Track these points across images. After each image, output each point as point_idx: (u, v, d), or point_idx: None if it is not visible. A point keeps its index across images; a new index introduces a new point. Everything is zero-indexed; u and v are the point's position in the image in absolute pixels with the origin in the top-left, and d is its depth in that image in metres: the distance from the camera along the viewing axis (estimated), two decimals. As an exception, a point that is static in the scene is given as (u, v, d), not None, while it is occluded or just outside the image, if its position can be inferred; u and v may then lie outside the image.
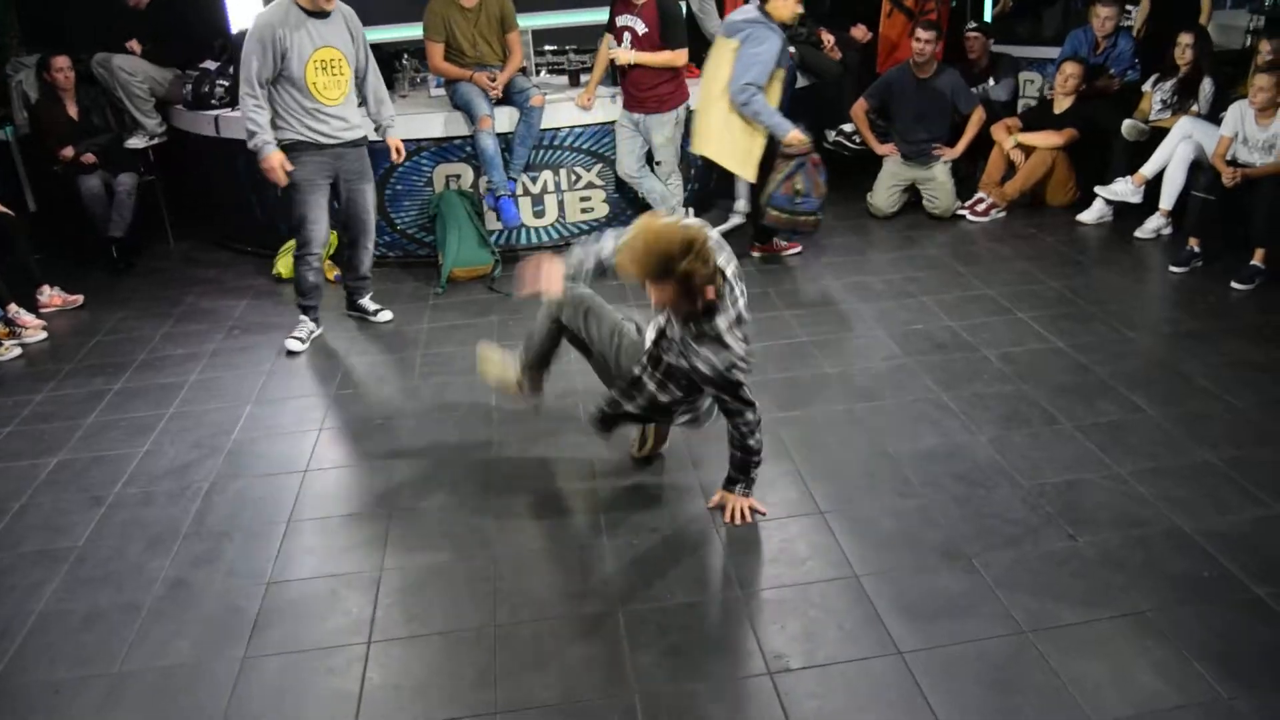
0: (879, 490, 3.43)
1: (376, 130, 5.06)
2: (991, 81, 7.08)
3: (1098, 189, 6.13)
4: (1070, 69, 6.31)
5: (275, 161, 4.65)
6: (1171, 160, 5.70)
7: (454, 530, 3.36)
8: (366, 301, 5.32)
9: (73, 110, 6.36)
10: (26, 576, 3.26)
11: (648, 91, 5.67)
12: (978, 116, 6.46)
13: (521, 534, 3.33)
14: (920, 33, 6.33)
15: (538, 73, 6.66)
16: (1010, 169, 6.47)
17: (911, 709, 2.48)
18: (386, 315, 5.30)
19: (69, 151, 6.23)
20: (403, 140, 5.15)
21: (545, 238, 6.23)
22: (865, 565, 3.03)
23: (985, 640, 2.69)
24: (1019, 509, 3.27)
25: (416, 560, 3.22)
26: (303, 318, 5.07)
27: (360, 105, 4.92)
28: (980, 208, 6.38)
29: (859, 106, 6.67)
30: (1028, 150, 6.39)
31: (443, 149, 5.94)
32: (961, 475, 3.49)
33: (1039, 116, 6.52)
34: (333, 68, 4.65)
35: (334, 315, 5.40)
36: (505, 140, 5.82)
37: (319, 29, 4.60)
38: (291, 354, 4.92)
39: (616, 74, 5.87)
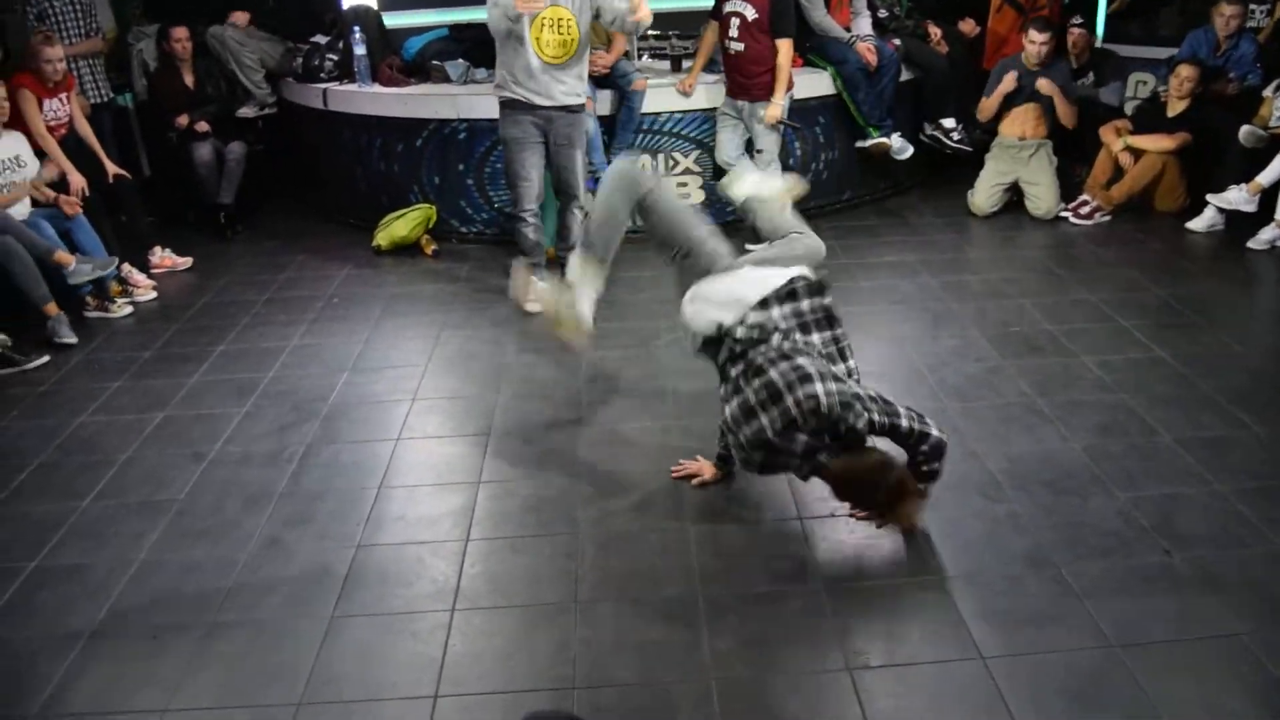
0: (967, 493, 3.38)
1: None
2: (1089, 79, 6.90)
3: (1209, 196, 5.92)
4: (1186, 71, 6.11)
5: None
6: (1290, 169, 5.49)
7: (539, 505, 3.41)
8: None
9: (189, 79, 6.57)
10: (130, 526, 3.40)
11: (753, 79, 5.64)
12: (1064, 104, 6.33)
13: (606, 513, 3.36)
14: (1035, 34, 6.18)
15: (640, 57, 6.67)
16: (1117, 172, 6.29)
17: (992, 715, 2.45)
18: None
19: (184, 119, 6.44)
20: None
21: (641, 221, 6.23)
22: (950, 567, 2.99)
23: (1071, 651, 2.64)
24: (1112, 520, 3.19)
25: (502, 533, 3.27)
26: (531, 277, 5.15)
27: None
28: (1084, 210, 6.22)
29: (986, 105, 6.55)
30: (1137, 153, 6.21)
31: (543, 129, 5.98)
32: (1053, 483, 3.42)
33: (1150, 119, 6.32)
34: (560, 26, 4.69)
35: (432, 289, 5.50)
36: (606, 123, 5.85)
37: None
38: (530, 314, 4.89)
39: (721, 60, 5.86)
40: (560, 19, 4.68)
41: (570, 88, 4.84)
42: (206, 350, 4.81)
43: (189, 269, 5.99)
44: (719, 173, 6.12)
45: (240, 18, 6.86)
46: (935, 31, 6.75)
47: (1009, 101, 6.39)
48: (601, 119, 5.80)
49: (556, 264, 5.27)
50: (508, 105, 4.85)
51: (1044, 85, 6.25)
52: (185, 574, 3.14)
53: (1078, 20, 7.05)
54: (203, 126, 6.46)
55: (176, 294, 5.63)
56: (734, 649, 2.69)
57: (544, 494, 3.49)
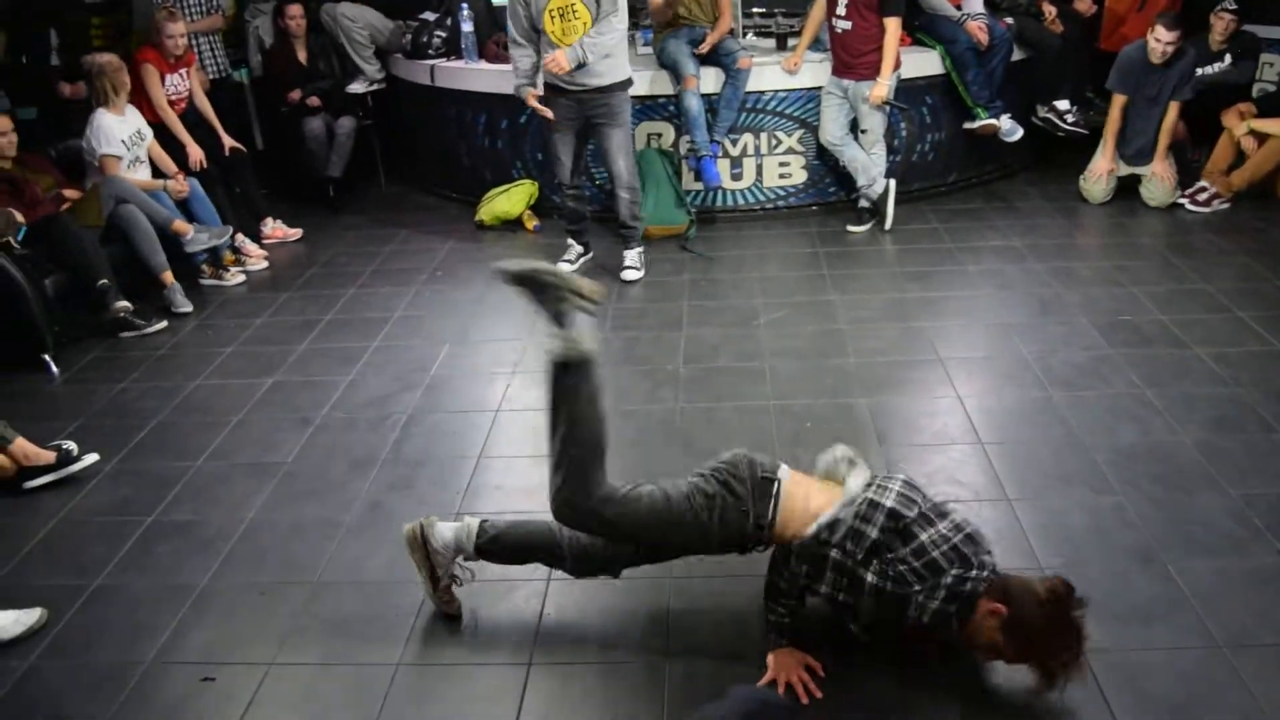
0: (1072, 483, 3.30)
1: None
2: (1228, 60, 6.54)
3: (1339, 185, 5.66)
4: None
5: (532, 101, 5.01)
6: None
7: (633, 478, 3.41)
8: (628, 253, 5.34)
9: (302, 55, 6.73)
10: (240, 486, 3.53)
11: (860, 58, 5.56)
12: (1173, 114, 5.97)
13: (700, 492, 3.36)
14: (1162, 33, 5.76)
15: (745, 35, 6.62)
16: (1239, 158, 6.03)
17: (1092, 710, 2.40)
18: (633, 275, 5.27)
19: (296, 94, 6.61)
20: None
21: (742, 200, 6.23)
22: (1051, 558, 2.93)
23: (1176, 650, 2.57)
24: (1224, 518, 3.09)
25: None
26: (569, 240, 5.45)
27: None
28: (1202, 197, 5.98)
29: (1117, 107, 6.13)
30: (1261, 138, 5.94)
31: (646, 106, 5.99)
32: (1162, 477, 3.32)
33: (1276, 103, 6.05)
34: (569, 13, 4.78)
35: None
36: (710, 102, 5.83)
37: None
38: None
39: (828, 38, 5.78)
40: (567, 6, 4.77)
41: (598, 68, 4.87)
42: (315, 319, 4.95)
43: (299, 240, 6.16)
44: (822, 152, 6.06)
45: None
46: (1050, 10, 6.54)
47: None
48: (705, 97, 5.77)
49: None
50: (547, 88, 5.01)
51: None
52: (291, 533, 3.25)
53: (1231, 4, 6.61)
54: (314, 101, 6.62)
55: (287, 264, 5.80)
56: (824, 630, 2.68)
57: (638, 468, 3.47)
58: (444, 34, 6.64)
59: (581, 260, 5.43)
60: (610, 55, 4.89)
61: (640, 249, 5.35)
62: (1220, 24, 6.43)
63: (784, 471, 2.60)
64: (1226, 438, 3.53)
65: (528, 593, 2.91)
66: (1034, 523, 3.09)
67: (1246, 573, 2.85)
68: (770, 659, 2.56)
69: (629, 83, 5.06)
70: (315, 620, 2.85)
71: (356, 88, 7.05)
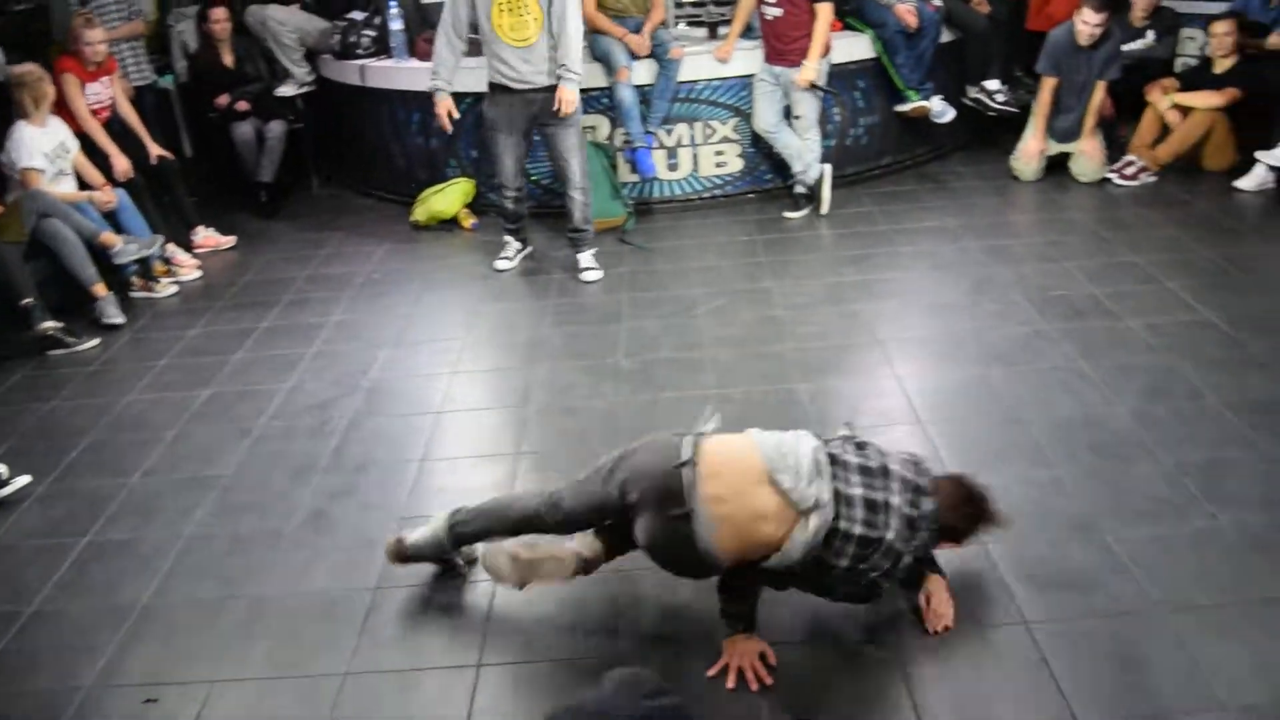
0: (1011, 458, 3.35)
1: (553, 75, 4.88)
2: (1150, 36, 6.67)
3: (1259, 154, 5.77)
4: (1221, 28, 5.94)
5: (442, 109, 4.89)
6: (1345, 125, 5.34)
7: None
8: (582, 256, 5.22)
9: (229, 59, 6.62)
10: (178, 501, 3.47)
11: (791, 45, 5.57)
12: (1099, 94, 6.08)
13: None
14: (1089, 15, 5.83)
15: (676, 24, 6.61)
16: (1164, 131, 6.15)
17: (1035, 681, 2.44)
18: (593, 275, 5.15)
19: (224, 99, 6.50)
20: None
21: (678, 191, 6.23)
22: (995, 534, 2.96)
23: (1116, 616, 2.62)
24: (1159, 485, 3.15)
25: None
26: (507, 238, 5.33)
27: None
28: (1129, 171, 6.08)
29: (1047, 89, 6.21)
30: (1184, 111, 6.06)
31: (580, 100, 5.94)
32: (1098, 447, 3.37)
33: (1198, 76, 6.17)
34: (519, 8, 4.70)
35: (470, 263, 5.53)
36: (642, 92, 5.82)
37: None
38: (497, 271, 5.26)
39: (759, 26, 5.80)
40: (515, 2, 4.69)
41: (545, 67, 4.82)
42: (250, 327, 4.87)
43: (232, 248, 6.06)
44: (757, 140, 6.08)
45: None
46: (978, -9, 6.62)
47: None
48: (638, 88, 5.76)
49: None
50: (491, 88, 4.92)
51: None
52: (232, 547, 3.20)
53: None
54: (243, 106, 6.52)
55: (220, 272, 5.70)
56: (776, 620, 2.69)
57: (583, 464, 3.49)
58: (373, 33, 6.57)
59: (520, 255, 5.39)
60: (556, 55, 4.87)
61: (595, 249, 5.28)
62: (1142, 1, 6.56)
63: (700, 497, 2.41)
64: (1159, 406, 3.60)
65: (475, 594, 2.89)
66: (975, 499, 3.13)
67: (1182, 537, 2.91)
68: (725, 644, 2.56)
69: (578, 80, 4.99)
70: (259, 633, 2.81)
71: (286, 90, 6.95)
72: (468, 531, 2.84)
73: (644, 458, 2.55)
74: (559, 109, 4.84)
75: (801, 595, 2.57)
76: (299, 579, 3.02)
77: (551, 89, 4.86)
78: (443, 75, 4.91)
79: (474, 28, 4.87)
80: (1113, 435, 3.44)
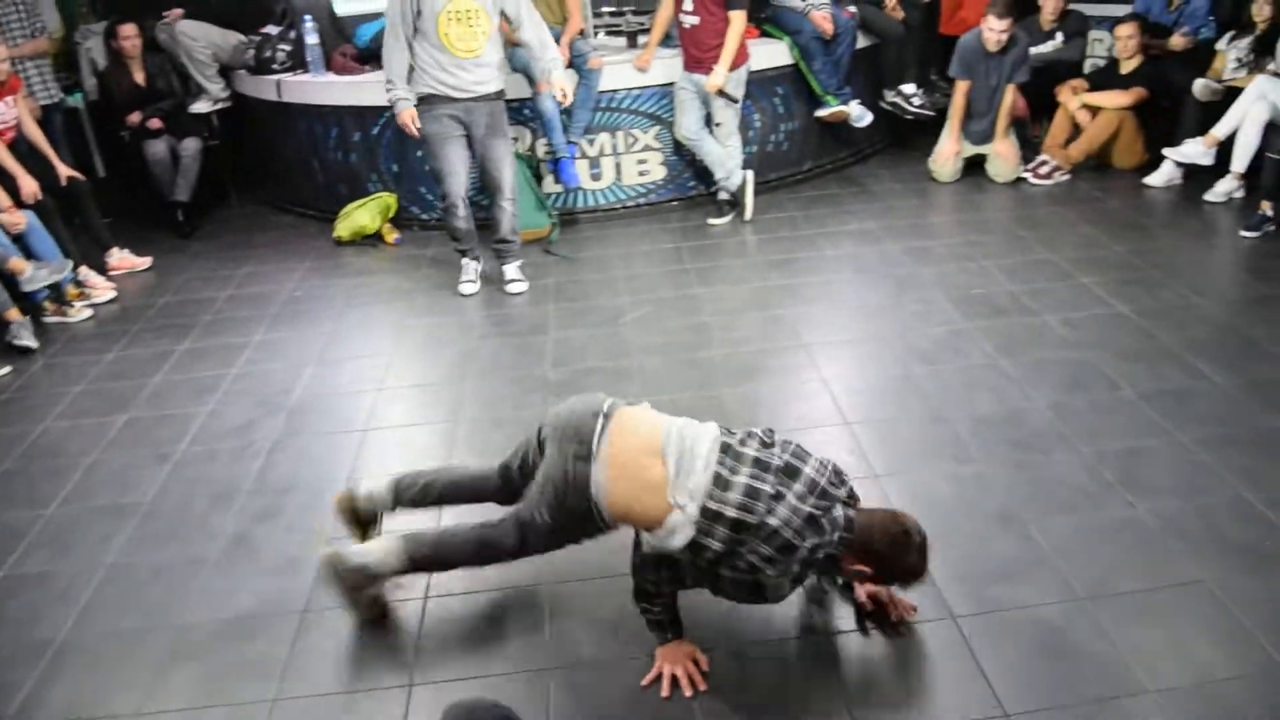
0: (936, 456, 3.40)
1: (540, 76, 5.23)
2: (1059, 39, 6.84)
3: (1167, 151, 5.96)
4: (1125, 30, 6.14)
5: (407, 118, 4.75)
6: (1245, 121, 5.51)
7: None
8: (508, 268, 5.19)
9: (139, 77, 6.48)
10: (96, 531, 3.37)
11: (709, 52, 5.61)
12: (1009, 97, 6.25)
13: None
14: (994, 22, 6.01)
15: (595, 34, 6.63)
16: (1076, 131, 6.31)
17: (964, 674, 2.48)
18: (518, 287, 5.14)
19: (135, 117, 6.36)
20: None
21: (603, 200, 6.23)
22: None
23: (1040, 606, 2.67)
24: (1078, 475, 3.22)
25: (473, 517, 3.25)
26: (464, 261, 5.21)
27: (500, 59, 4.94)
28: (1043, 170, 6.24)
29: (960, 92, 6.37)
30: (1094, 111, 6.23)
31: (500, 112, 5.94)
32: (1019, 442, 3.44)
33: (1106, 77, 6.35)
34: (468, 18, 4.64)
35: (394, 278, 5.47)
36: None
37: None
38: (464, 296, 5.12)
39: (677, 34, 5.83)
40: (467, 11, 4.64)
41: (487, 76, 4.81)
42: (169, 350, 4.76)
43: (148, 269, 5.91)
44: (679, 148, 6.11)
45: (176, 14, 6.77)
46: (891, -2, 6.74)
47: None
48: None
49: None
50: (425, 100, 4.77)
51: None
52: (154, 576, 3.11)
53: None
54: (155, 124, 6.37)
55: (136, 295, 5.56)
56: (705, 630, 2.69)
57: (513, 477, 3.48)
58: (288, 47, 6.47)
59: (480, 274, 5.23)
60: (500, 64, 4.88)
61: (521, 261, 5.26)
62: (1050, 3, 6.74)
63: (600, 457, 2.52)
64: (1077, 399, 3.68)
65: (405, 612, 2.85)
66: (902, 497, 3.17)
67: (1101, 525, 2.98)
68: (657, 653, 2.57)
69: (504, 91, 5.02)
70: (184, 663, 2.74)
71: (200, 107, 6.82)
72: (409, 494, 2.96)
73: (566, 405, 2.70)
74: (564, 99, 5.04)
75: (732, 602, 2.58)
76: (224, 605, 2.95)
77: (492, 97, 4.85)
78: (400, 85, 4.75)
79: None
80: (1033, 429, 3.51)
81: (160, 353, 4.74)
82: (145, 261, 5.94)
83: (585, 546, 2.70)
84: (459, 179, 4.94)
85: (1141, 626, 2.57)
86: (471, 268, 5.21)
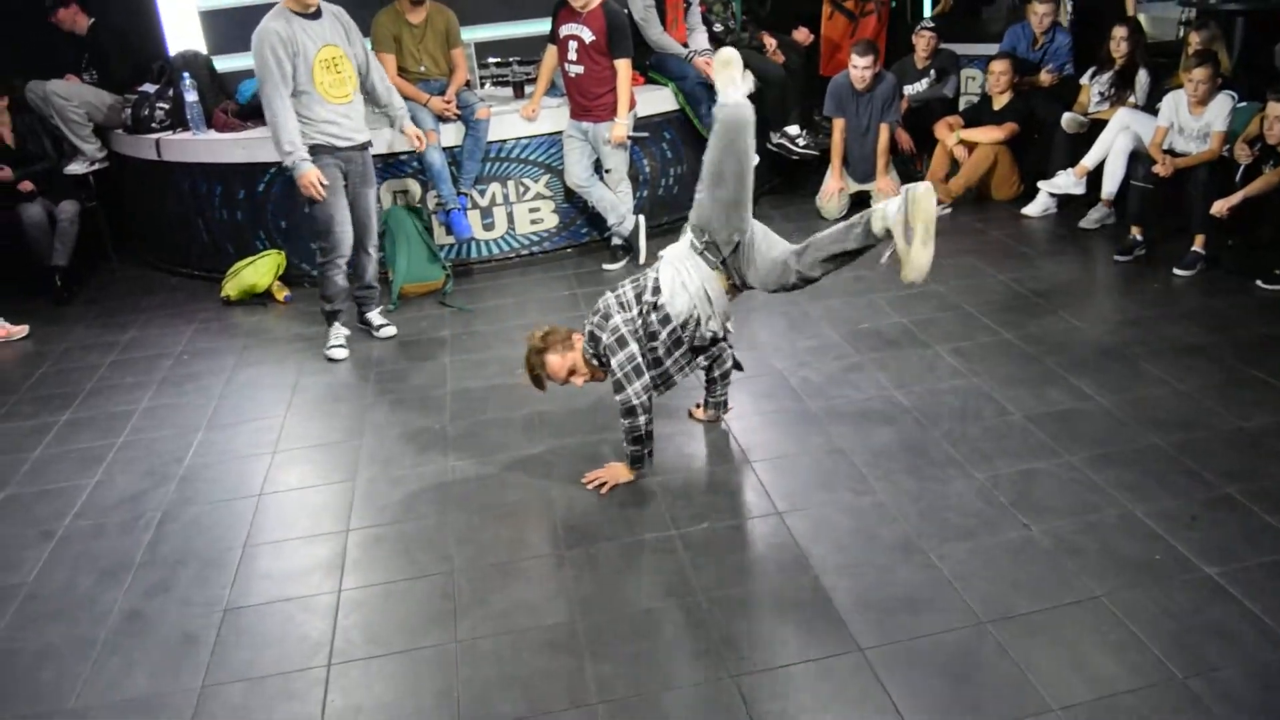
0: (835, 488, 3.45)
1: (391, 124, 5.28)
2: (931, 77, 7.12)
3: (1040, 183, 6.22)
4: (998, 66, 6.42)
5: (311, 178, 4.64)
6: (1111, 151, 5.79)
7: (411, 548, 3.34)
8: (373, 315, 5.22)
9: (9, 138, 6.26)
10: (-25, 615, 3.20)
11: (595, 100, 5.68)
12: (884, 136, 6.50)
13: (480, 548, 3.31)
14: (856, 60, 6.31)
15: (482, 85, 6.64)
16: (954, 166, 6.54)
17: (874, 705, 2.50)
18: (390, 331, 5.19)
19: (6, 173, 6.12)
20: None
21: (496, 250, 6.22)
22: (824, 564, 3.05)
23: (944, 633, 2.71)
24: (973, 501, 3.30)
25: (375, 579, 3.19)
26: (334, 326, 5.07)
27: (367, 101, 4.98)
28: (927, 205, 6.42)
29: (837, 130, 6.62)
30: (970, 146, 6.47)
31: (390, 165, 5.89)
32: (915, 470, 3.52)
33: (979, 113, 6.61)
34: (336, 65, 4.66)
35: (286, 336, 5.35)
36: (452, 154, 5.81)
37: (314, 29, 4.60)
38: (335, 361, 4.96)
39: (562, 84, 5.88)
40: (333, 58, 4.67)
41: (360, 124, 4.86)
42: (49, 421, 4.57)
43: (25, 337, 5.67)
44: (570, 195, 6.14)
45: (72, 80, 6.60)
46: (770, 42, 6.90)
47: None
48: (447, 150, 5.75)
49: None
50: (312, 150, 4.68)
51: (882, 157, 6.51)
52: (40, 660, 2.96)
53: (929, 24, 7.18)
54: (27, 186, 6.15)
55: (13, 365, 5.33)
56: (618, 670, 2.68)
57: (416, 535, 3.42)
58: (166, 105, 6.33)
59: (348, 338, 5.11)
60: (363, 109, 4.90)
61: (381, 306, 5.30)
62: (921, 42, 7.01)
63: None
64: (969, 425, 3.78)
65: (308, 681, 2.77)
66: (805, 532, 3.21)
67: (998, 548, 3.05)
68: (611, 465, 3.63)
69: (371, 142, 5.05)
70: (72, 751, 2.62)
71: (76, 168, 6.61)
72: None
73: None
74: (420, 144, 5.17)
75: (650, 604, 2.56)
76: (117, 687, 2.82)
77: (365, 145, 4.89)
78: (298, 144, 4.61)
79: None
80: (928, 458, 3.59)
81: (40, 424, 4.54)
82: (22, 330, 5.70)
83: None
84: (347, 230, 4.88)
85: (1043, 645, 2.64)
86: (342, 333, 5.08)
